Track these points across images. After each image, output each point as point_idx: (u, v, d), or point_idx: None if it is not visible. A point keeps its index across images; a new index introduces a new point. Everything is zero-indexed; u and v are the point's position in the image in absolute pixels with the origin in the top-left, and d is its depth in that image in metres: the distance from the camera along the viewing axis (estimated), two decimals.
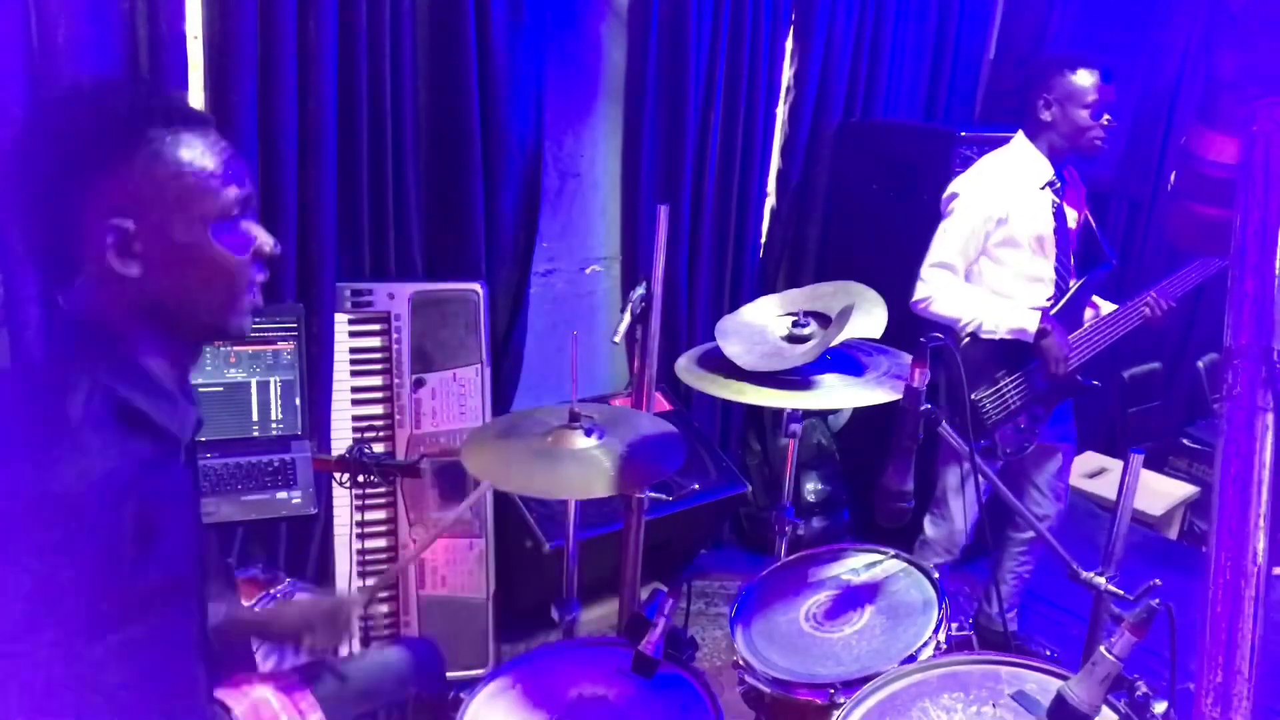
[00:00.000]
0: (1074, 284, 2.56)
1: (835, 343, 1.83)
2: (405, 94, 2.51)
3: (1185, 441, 4.05)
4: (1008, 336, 2.40)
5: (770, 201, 3.50)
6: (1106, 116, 2.51)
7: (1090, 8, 3.61)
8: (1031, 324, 2.42)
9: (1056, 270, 2.56)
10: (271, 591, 1.94)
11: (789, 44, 3.35)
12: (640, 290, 1.93)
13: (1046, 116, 2.52)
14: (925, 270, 2.49)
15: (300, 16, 2.26)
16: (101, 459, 0.95)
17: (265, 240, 1.12)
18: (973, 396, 2.39)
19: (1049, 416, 2.56)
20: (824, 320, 1.90)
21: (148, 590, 0.99)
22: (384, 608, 2.58)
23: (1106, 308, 2.61)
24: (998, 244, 2.51)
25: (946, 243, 2.49)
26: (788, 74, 3.38)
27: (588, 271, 3.23)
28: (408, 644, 1.79)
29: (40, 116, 1.04)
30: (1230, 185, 0.91)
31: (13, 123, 1.94)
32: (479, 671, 2.54)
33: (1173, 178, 1.24)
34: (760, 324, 1.96)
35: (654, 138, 3.09)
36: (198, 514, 1.19)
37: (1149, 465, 3.17)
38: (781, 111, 3.42)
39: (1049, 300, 2.55)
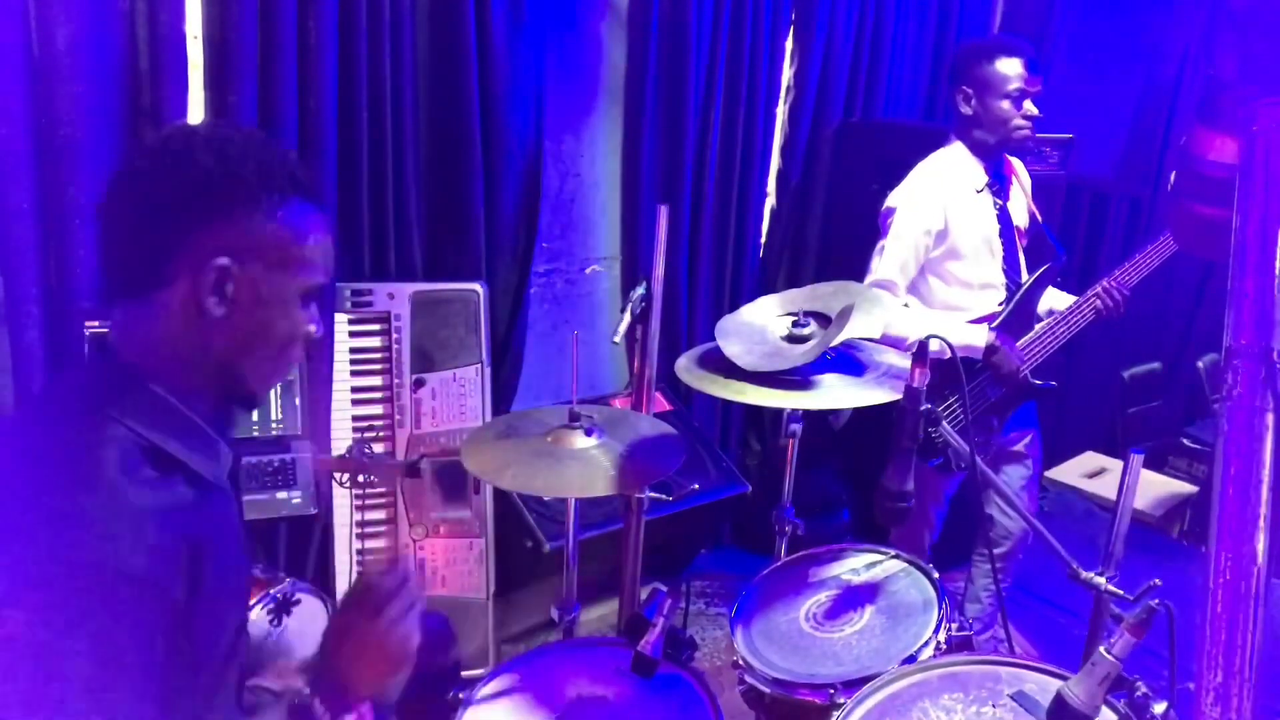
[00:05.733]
0: (1025, 283, 2.48)
1: (835, 343, 1.83)
2: (405, 94, 2.51)
3: (1185, 441, 4.05)
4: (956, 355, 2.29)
5: (770, 201, 3.50)
6: (1029, 103, 2.38)
7: (1090, 8, 3.61)
8: (980, 340, 2.37)
9: (1005, 273, 2.49)
10: (271, 591, 1.94)
11: (789, 44, 3.35)
12: (640, 290, 1.93)
13: (966, 110, 2.41)
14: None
15: (300, 16, 2.26)
16: (150, 517, 0.96)
17: (316, 328, 1.17)
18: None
19: (1003, 425, 2.53)
20: (824, 320, 1.90)
21: (208, 646, 1.01)
22: None
23: (1065, 300, 2.55)
24: (941, 257, 2.44)
25: (886, 261, 2.40)
26: (788, 74, 3.38)
27: (588, 271, 3.23)
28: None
29: (194, 141, 1.06)
30: (1230, 185, 0.91)
31: (12, 122, 1.94)
32: (479, 671, 2.54)
33: (1173, 178, 1.24)
34: (760, 324, 1.96)
35: (654, 138, 3.09)
36: (242, 550, 1.19)
37: (1149, 465, 3.17)
38: (781, 111, 3.42)
39: (1000, 305, 2.49)
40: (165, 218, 1.04)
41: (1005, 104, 2.38)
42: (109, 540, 0.92)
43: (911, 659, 1.53)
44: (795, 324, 1.90)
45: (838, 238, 3.46)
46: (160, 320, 1.06)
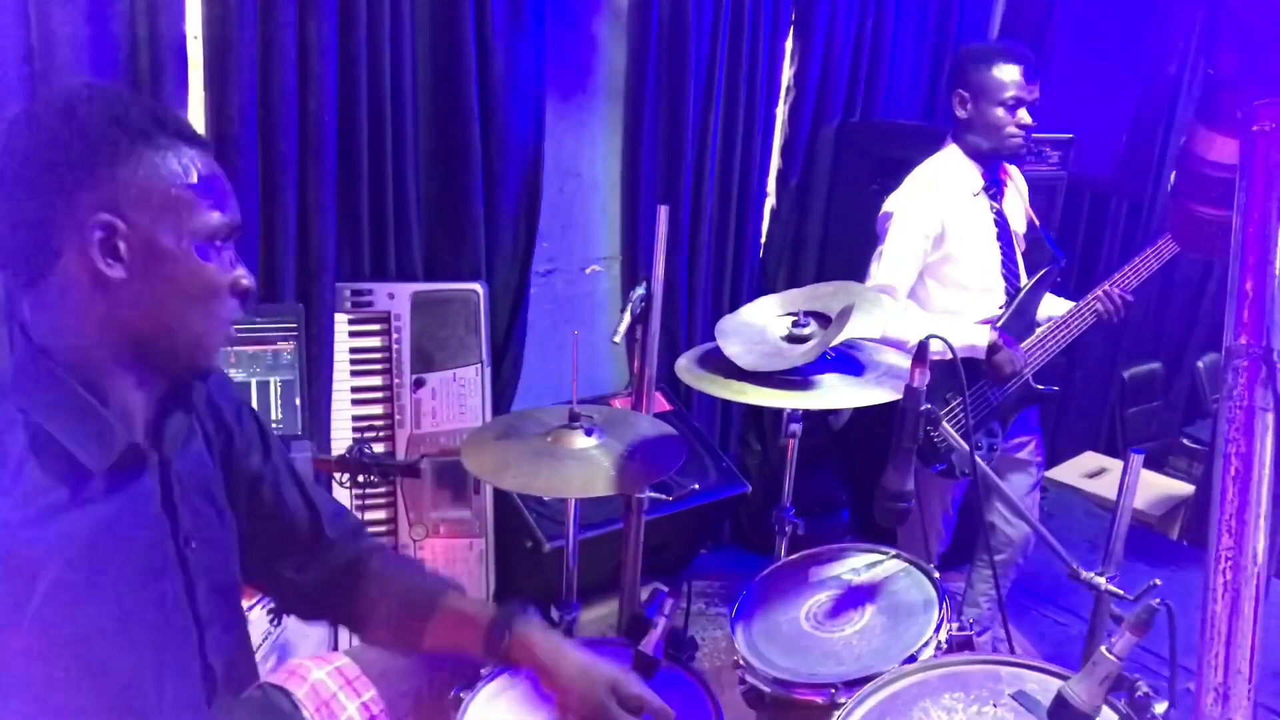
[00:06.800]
0: (1024, 285, 2.48)
1: (835, 343, 1.83)
2: (405, 94, 2.51)
3: (1185, 441, 4.06)
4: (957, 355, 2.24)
5: (770, 201, 3.50)
6: (1024, 112, 2.37)
7: (1090, 8, 3.61)
8: (981, 340, 2.36)
9: (1004, 277, 2.49)
10: None
11: (789, 44, 3.35)
12: (640, 290, 1.93)
13: (962, 114, 2.41)
14: None
15: (300, 16, 2.26)
16: None
17: (243, 273, 1.11)
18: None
19: (1006, 431, 2.52)
20: (824, 320, 1.90)
21: (22, 651, 0.97)
22: None
23: (1063, 306, 2.55)
24: (939, 261, 2.44)
25: (885, 266, 2.41)
26: (788, 74, 3.38)
27: (588, 271, 3.23)
28: None
29: (42, 109, 1.03)
30: (1230, 185, 0.91)
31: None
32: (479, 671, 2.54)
33: (1173, 178, 1.24)
34: (760, 324, 1.96)
35: (654, 138, 3.09)
36: (149, 548, 1.12)
37: (1149, 465, 3.17)
38: (781, 111, 3.42)
39: (1000, 308, 2.48)
40: (37, 189, 1.00)
41: (999, 111, 2.37)
42: None
43: (912, 659, 1.53)
44: (795, 324, 1.90)
45: (838, 238, 3.46)
46: (64, 298, 1.02)
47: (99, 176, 1.00)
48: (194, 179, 1.05)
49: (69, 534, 1.00)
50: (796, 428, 2.12)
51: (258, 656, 1.73)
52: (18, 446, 0.98)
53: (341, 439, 2.48)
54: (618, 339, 1.90)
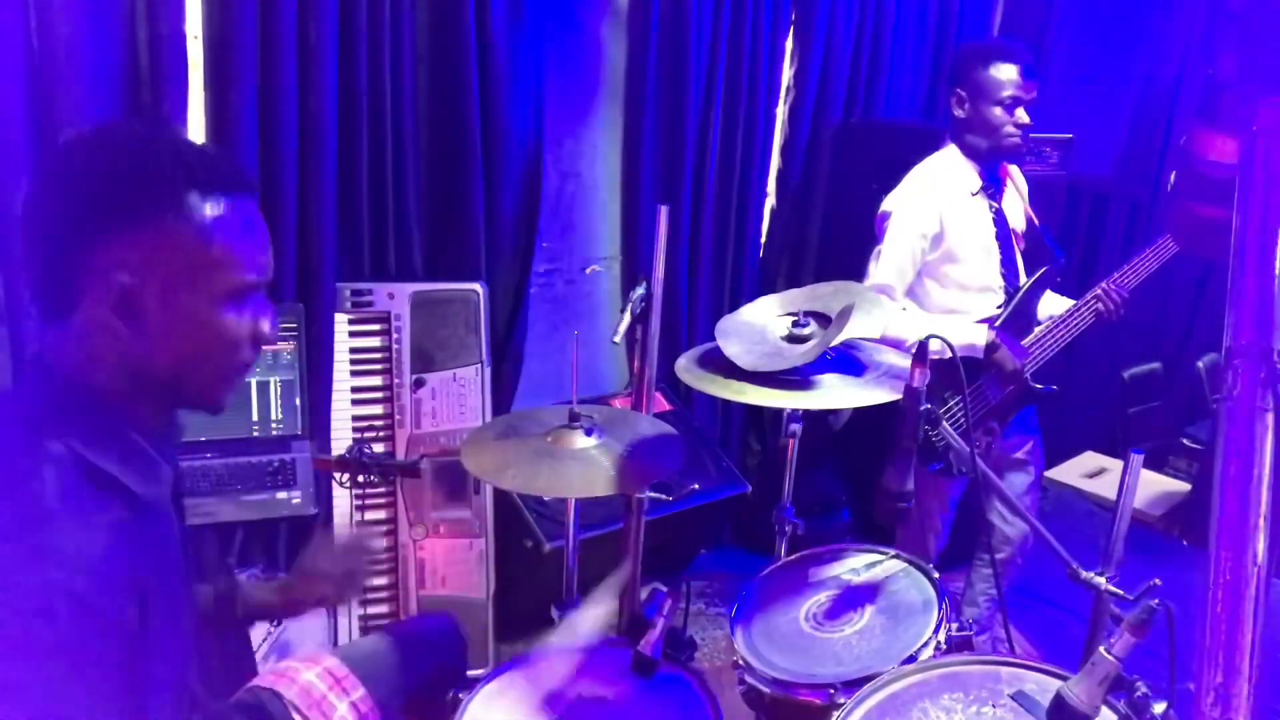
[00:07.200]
0: (1023, 285, 2.48)
1: (835, 343, 1.83)
2: (405, 94, 2.51)
3: (1185, 441, 4.05)
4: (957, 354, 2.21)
5: (770, 201, 3.50)
6: (1021, 111, 2.37)
7: (1090, 8, 3.61)
8: (980, 339, 2.36)
9: (1003, 275, 2.49)
10: None
11: (789, 44, 3.35)
12: (640, 290, 1.93)
13: (959, 113, 2.41)
14: None
15: (300, 16, 2.26)
16: (92, 538, 0.92)
17: (265, 324, 1.10)
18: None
19: (1004, 429, 2.52)
20: (824, 320, 1.90)
21: (148, 673, 0.97)
22: (384, 608, 2.57)
23: (1064, 305, 2.54)
24: (938, 261, 2.43)
25: (883, 266, 2.41)
26: (788, 74, 3.38)
27: (588, 271, 3.23)
28: (428, 620, 1.81)
29: (89, 148, 1.01)
30: (1230, 185, 0.91)
31: (12, 122, 1.94)
32: (479, 671, 2.54)
33: (1173, 178, 1.24)
34: (760, 324, 1.96)
35: (654, 138, 3.09)
36: (183, 574, 1.14)
37: (1149, 465, 3.16)
38: (781, 111, 3.42)
39: (999, 308, 2.48)
40: (61, 239, 0.99)
41: (997, 110, 2.37)
42: (51, 565, 0.89)
43: (912, 659, 1.53)
44: (795, 324, 1.90)
45: (838, 238, 3.45)
46: (84, 337, 1.01)
47: (131, 229, 0.98)
48: (231, 236, 1.02)
49: (146, 552, 1.00)
50: (796, 428, 2.12)
51: (258, 656, 1.73)
52: (75, 479, 0.96)
53: (341, 439, 2.48)
54: (618, 339, 1.90)
